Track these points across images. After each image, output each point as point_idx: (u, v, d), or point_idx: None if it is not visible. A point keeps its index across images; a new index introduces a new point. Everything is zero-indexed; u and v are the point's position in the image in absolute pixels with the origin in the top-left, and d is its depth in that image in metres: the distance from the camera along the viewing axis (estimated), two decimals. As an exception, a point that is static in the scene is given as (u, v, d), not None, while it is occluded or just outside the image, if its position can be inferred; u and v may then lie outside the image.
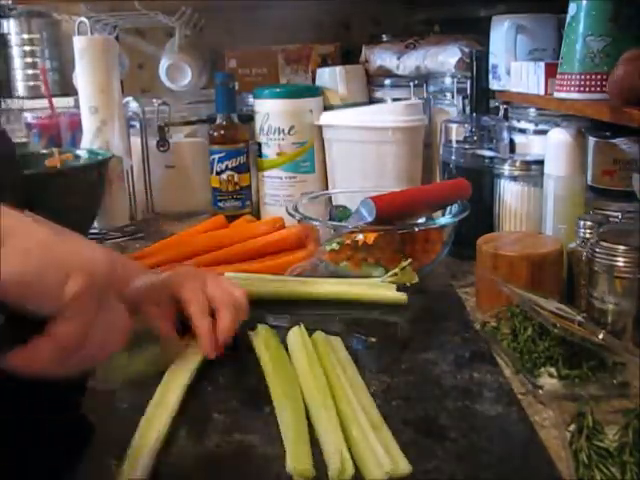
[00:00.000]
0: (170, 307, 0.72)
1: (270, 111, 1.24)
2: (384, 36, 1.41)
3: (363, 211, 0.93)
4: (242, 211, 1.27)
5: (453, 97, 1.18)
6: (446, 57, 1.17)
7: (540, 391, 0.66)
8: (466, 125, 1.07)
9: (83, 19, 1.24)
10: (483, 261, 0.86)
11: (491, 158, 1.03)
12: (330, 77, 1.32)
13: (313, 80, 1.38)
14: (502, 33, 1.05)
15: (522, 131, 1.08)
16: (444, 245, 0.97)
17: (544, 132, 0.98)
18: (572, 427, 0.57)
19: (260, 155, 1.26)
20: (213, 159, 1.26)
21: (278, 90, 1.27)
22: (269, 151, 1.25)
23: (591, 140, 0.94)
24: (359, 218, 0.94)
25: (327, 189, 1.25)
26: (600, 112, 0.79)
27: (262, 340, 0.73)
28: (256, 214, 1.29)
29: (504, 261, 0.83)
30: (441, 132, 1.11)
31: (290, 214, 1.00)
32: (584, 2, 0.81)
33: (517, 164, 0.98)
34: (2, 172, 0.66)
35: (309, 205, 1.06)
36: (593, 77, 0.81)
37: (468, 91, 1.09)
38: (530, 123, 1.06)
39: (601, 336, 0.69)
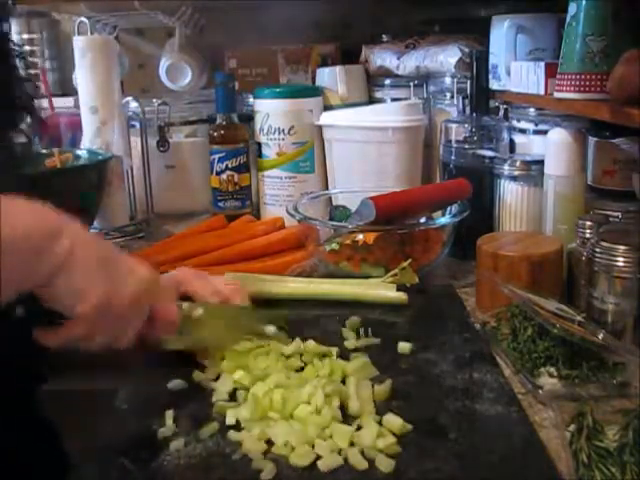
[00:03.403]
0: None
1: (270, 111, 1.24)
2: (384, 36, 1.41)
3: (363, 211, 0.93)
4: (242, 211, 1.27)
5: (453, 97, 1.18)
6: (446, 57, 1.17)
7: (540, 391, 0.66)
8: (466, 125, 1.07)
9: (83, 19, 1.24)
10: (483, 261, 0.86)
11: (491, 158, 1.03)
12: (330, 77, 1.32)
13: (313, 80, 1.38)
14: (502, 33, 1.05)
15: (522, 131, 1.07)
16: (444, 245, 0.97)
17: (544, 132, 0.98)
18: (572, 427, 0.57)
19: (260, 155, 1.26)
20: (213, 159, 1.26)
21: (278, 90, 1.27)
22: (269, 151, 1.25)
23: (591, 140, 0.94)
24: (359, 218, 0.94)
25: (327, 189, 1.25)
26: (600, 112, 0.79)
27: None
28: (256, 214, 1.29)
29: (504, 261, 0.83)
30: (441, 132, 1.11)
31: (290, 214, 1.00)
32: (584, 2, 0.81)
33: (517, 164, 0.98)
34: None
35: (309, 205, 1.06)
36: (593, 77, 0.81)
37: (468, 91, 1.09)
38: (530, 123, 1.06)
39: (601, 336, 0.69)
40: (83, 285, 0.54)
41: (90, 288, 0.54)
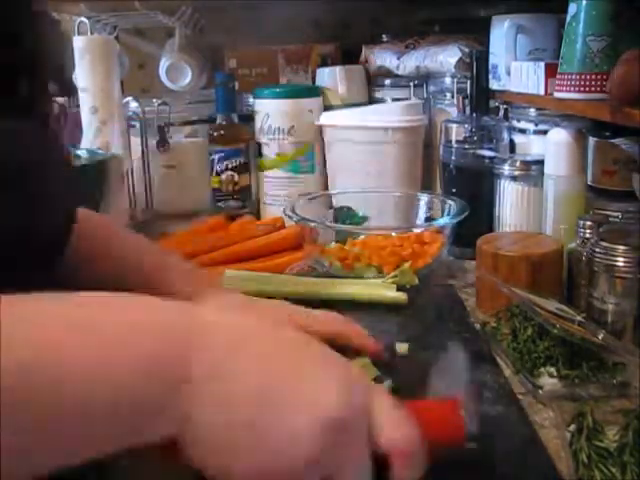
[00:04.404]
0: None
1: (270, 111, 1.24)
2: (384, 36, 1.41)
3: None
4: (242, 211, 1.27)
5: (453, 97, 1.18)
6: (446, 57, 1.17)
7: (540, 391, 0.66)
8: (466, 125, 1.07)
9: (83, 19, 1.24)
10: (483, 261, 0.86)
11: (491, 158, 1.03)
12: (330, 77, 1.32)
13: (313, 80, 1.38)
14: (502, 33, 1.05)
15: (522, 131, 1.08)
16: (444, 245, 0.97)
17: (544, 132, 0.98)
18: (572, 427, 0.57)
19: (260, 155, 1.26)
20: (213, 159, 1.26)
21: (278, 90, 1.27)
22: (269, 151, 1.25)
23: (591, 140, 0.94)
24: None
25: (327, 189, 1.25)
26: (600, 112, 0.79)
27: None
28: (256, 214, 1.29)
29: (504, 261, 0.83)
30: (441, 132, 1.11)
31: (287, 215, 1.00)
32: (584, 2, 0.81)
33: (517, 164, 0.98)
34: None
35: (309, 205, 1.06)
36: (593, 77, 0.81)
37: (468, 91, 1.09)
38: (530, 123, 1.06)
39: (601, 336, 0.69)
40: (224, 447, 0.35)
41: (233, 461, 0.35)
